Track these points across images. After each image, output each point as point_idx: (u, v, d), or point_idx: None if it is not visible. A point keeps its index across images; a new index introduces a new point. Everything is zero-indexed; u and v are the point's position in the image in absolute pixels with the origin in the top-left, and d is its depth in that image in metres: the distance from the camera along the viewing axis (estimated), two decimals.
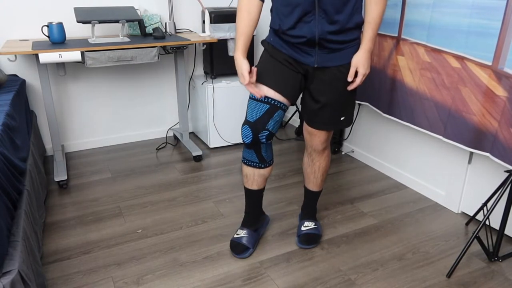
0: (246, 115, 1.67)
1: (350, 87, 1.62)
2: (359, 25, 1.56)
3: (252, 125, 1.63)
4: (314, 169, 1.89)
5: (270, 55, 1.66)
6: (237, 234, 1.90)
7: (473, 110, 1.87)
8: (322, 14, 1.47)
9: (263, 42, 1.70)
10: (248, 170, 1.79)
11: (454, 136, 1.98)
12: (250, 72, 1.61)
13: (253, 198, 1.88)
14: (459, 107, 1.93)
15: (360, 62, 1.56)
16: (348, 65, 1.60)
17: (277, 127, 1.67)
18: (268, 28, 1.68)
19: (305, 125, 1.80)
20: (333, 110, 1.69)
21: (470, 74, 1.86)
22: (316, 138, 1.79)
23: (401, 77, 2.22)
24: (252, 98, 1.65)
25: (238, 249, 1.85)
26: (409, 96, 2.19)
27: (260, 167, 1.77)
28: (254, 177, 1.79)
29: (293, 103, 1.69)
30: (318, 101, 1.67)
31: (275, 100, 1.62)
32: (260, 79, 1.64)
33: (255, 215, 1.93)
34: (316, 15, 1.47)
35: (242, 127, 1.67)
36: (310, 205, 2.02)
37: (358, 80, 1.58)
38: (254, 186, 1.82)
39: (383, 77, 2.34)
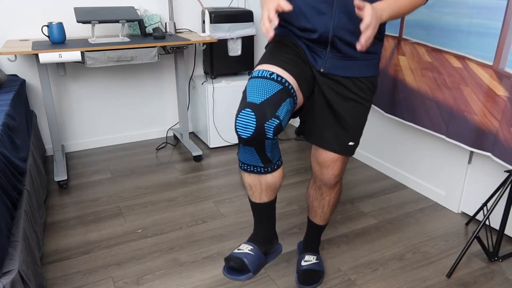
0: (246, 96, 1.18)
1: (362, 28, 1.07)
2: (382, 35, 1.32)
3: (258, 109, 1.13)
4: (322, 203, 1.59)
5: (277, 41, 1.35)
6: (239, 249, 1.34)
7: (475, 110, 1.87)
8: (342, 6, 1.20)
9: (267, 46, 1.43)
10: (250, 179, 1.31)
11: (456, 136, 1.98)
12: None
13: (264, 213, 1.38)
14: (460, 106, 1.93)
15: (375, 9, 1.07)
16: (366, 79, 1.34)
17: (286, 121, 1.22)
18: None
19: (313, 154, 1.48)
20: (343, 126, 1.37)
21: (471, 74, 1.86)
22: (328, 171, 1.45)
23: (403, 76, 2.22)
24: (255, 76, 1.22)
25: (235, 265, 1.28)
26: (411, 96, 2.19)
27: (266, 172, 1.27)
28: (260, 186, 1.31)
29: (305, 97, 1.33)
30: (331, 105, 1.36)
31: (288, 83, 1.21)
32: (266, 61, 1.27)
33: (267, 235, 1.42)
34: (334, 6, 1.20)
35: (238, 114, 1.16)
36: (314, 238, 1.75)
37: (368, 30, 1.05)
38: (263, 198, 1.33)
39: (384, 77, 2.34)
